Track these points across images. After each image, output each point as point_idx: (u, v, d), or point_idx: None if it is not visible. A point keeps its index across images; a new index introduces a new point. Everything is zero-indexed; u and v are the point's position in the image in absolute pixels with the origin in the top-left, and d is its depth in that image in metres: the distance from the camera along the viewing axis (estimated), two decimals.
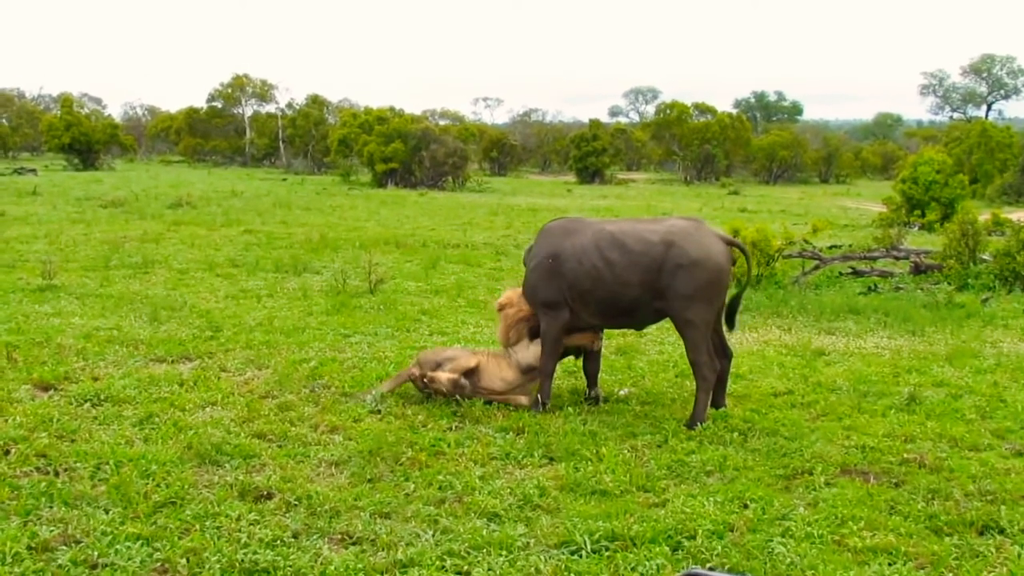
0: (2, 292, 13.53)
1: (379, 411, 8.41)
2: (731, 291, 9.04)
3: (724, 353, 8.85)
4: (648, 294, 8.42)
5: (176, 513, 6.11)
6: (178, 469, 6.85)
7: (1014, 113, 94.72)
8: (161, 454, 7.09)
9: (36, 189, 34.32)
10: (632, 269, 8.38)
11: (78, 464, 6.89)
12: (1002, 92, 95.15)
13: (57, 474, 6.73)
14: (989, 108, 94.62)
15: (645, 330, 11.79)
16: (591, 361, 9.19)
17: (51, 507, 6.14)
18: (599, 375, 9.26)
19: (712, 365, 8.50)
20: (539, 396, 8.78)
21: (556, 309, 8.71)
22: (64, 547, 5.60)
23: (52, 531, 5.78)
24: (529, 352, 9.01)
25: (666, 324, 12.13)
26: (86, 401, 8.43)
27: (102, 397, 8.52)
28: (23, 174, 46.21)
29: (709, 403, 8.52)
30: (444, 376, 8.65)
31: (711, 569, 5.55)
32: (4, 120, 75.18)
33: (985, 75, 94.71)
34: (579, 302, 8.63)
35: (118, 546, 5.60)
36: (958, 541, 6.00)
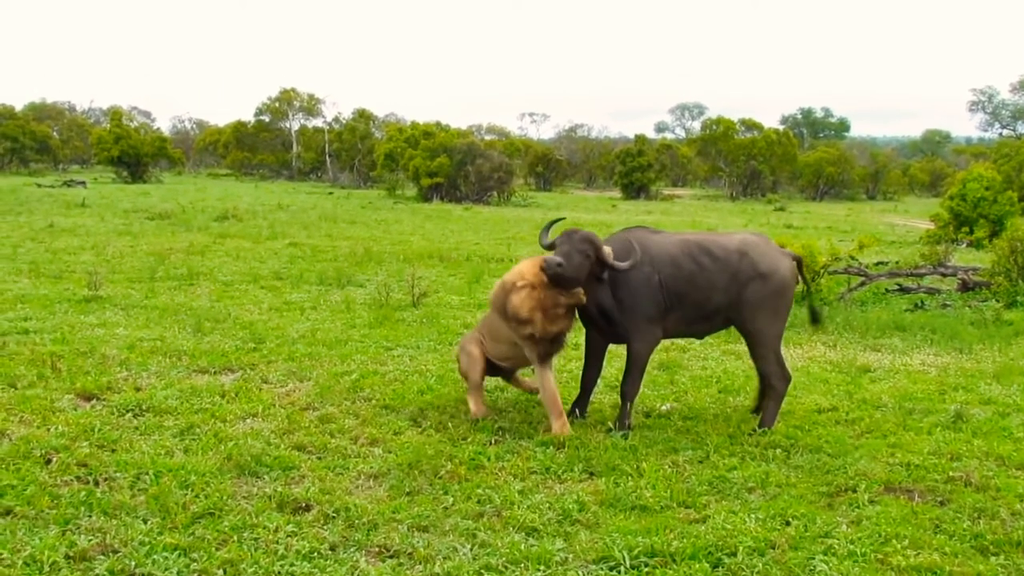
0: (48, 302, 13.63)
1: (420, 424, 8.39)
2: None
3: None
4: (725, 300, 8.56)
5: (214, 524, 6.10)
6: (217, 480, 6.84)
7: None
8: (201, 465, 7.09)
9: (84, 201, 34.67)
10: (718, 275, 8.48)
11: (118, 474, 6.90)
12: None
13: (97, 483, 6.74)
14: None
15: (688, 347, 11.82)
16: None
17: (90, 516, 6.14)
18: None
19: (784, 376, 8.79)
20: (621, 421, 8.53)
21: (655, 324, 8.55)
22: (102, 556, 5.60)
23: (90, 540, 5.78)
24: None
25: (711, 340, 12.12)
26: (128, 411, 8.45)
27: (144, 407, 8.55)
28: (72, 186, 46.74)
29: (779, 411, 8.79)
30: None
31: None
32: (55, 133, 76.20)
33: None
34: (675, 310, 8.54)
35: (155, 556, 5.59)
36: (1004, 561, 5.89)
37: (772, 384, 8.72)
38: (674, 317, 8.56)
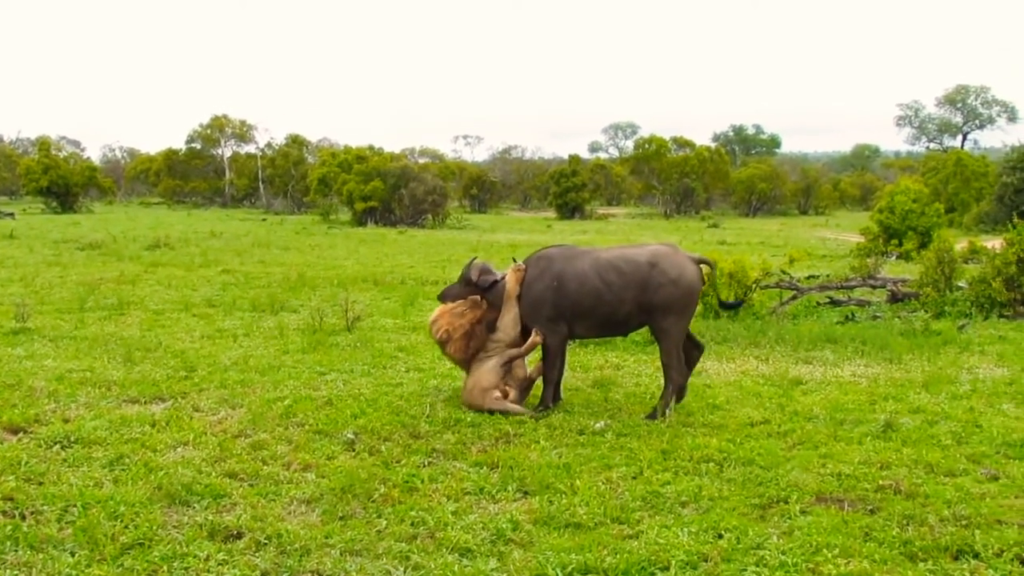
0: None
1: (353, 448, 8.34)
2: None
3: (696, 345, 10.21)
4: (636, 308, 9.63)
5: (143, 554, 6.01)
6: (147, 510, 6.75)
7: (989, 143, 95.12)
8: (130, 495, 6.99)
9: (13, 232, 34.23)
10: (626, 288, 9.55)
11: (45, 507, 6.79)
12: (977, 122, 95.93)
13: (24, 517, 6.62)
14: (964, 138, 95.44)
15: (622, 364, 11.90)
16: None
17: (16, 551, 6.03)
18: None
19: (681, 370, 9.77)
20: (543, 399, 9.95)
21: (557, 324, 9.80)
22: None
23: (16, 575, 5.69)
24: (500, 332, 9.99)
25: (644, 358, 12.20)
26: (56, 443, 8.30)
27: (72, 439, 8.41)
28: (0, 218, 46.09)
29: (672, 402, 9.68)
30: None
31: None
32: None
33: (960, 105, 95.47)
34: (579, 319, 9.77)
35: None
36: (932, 566, 5.95)
37: (671, 376, 9.68)
38: (585, 324, 9.85)
